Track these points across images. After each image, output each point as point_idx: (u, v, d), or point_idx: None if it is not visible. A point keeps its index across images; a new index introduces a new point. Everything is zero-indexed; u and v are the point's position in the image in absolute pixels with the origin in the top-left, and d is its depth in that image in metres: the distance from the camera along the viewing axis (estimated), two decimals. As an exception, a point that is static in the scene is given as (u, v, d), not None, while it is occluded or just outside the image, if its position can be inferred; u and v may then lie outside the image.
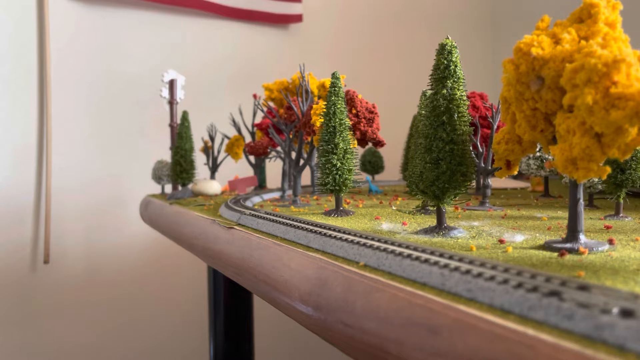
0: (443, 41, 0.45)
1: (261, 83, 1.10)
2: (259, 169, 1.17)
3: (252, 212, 0.61)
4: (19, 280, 1.45)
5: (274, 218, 0.56)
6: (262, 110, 1.05)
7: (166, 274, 1.67)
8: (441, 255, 0.33)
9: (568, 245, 0.37)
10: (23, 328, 1.45)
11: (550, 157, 0.73)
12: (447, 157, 0.43)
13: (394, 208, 0.69)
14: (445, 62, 0.44)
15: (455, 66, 0.44)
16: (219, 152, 1.16)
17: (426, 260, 0.32)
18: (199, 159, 1.21)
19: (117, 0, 1.59)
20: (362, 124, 0.76)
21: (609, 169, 0.32)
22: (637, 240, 0.41)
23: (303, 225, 0.50)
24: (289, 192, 0.90)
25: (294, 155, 0.86)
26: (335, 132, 0.60)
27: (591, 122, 0.31)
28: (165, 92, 1.22)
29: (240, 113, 1.21)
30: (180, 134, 1.07)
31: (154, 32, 1.66)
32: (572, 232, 0.38)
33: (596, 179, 0.61)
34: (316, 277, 0.39)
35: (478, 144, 0.72)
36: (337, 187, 0.60)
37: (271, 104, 1.03)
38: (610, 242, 0.38)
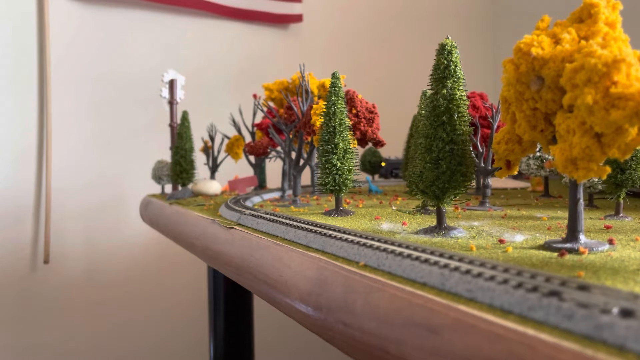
0: (443, 41, 0.45)
1: (261, 83, 1.10)
2: (259, 169, 1.17)
3: (252, 212, 0.61)
4: (19, 280, 1.45)
5: (274, 218, 0.56)
6: (262, 110, 1.05)
7: (166, 273, 1.67)
8: (441, 255, 0.33)
9: (568, 245, 0.37)
10: (23, 328, 1.45)
11: (550, 157, 0.73)
12: (447, 157, 0.43)
13: (394, 208, 0.69)
14: (445, 62, 0.44)
15: (455, 66, 0.44)
16: (219, 152, 1.16)
17: (426, 260, 0.32)
18: (199, 159, 1.21)
19: (117, 0, 1.59)
20: (362, 124, 0.76)
21: (609, 169, 0.32)
22: (637, 240, 0.41)
23: (303, 225, 0.50)
24: (289, 192, 0.90)
25: (294, 155, 0.86)
26: (335, 132, 0.60)
27: (591, 122, 0.31)
28: (165, 92, 1.22)
29: (240, 113, 1.21)
30: (180, 134, 1.07)
31: (154, 32, 1.66)
32: (572, 232, 0.38)
33: (596, 179, 0.61)
34: (316, 277, 0.39)
35: (478, 144, 0.72)
36: (337, 187, 0.60)
37: (271, 104, 1.03)
38: (610, 242, 0.38)
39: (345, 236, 0.42)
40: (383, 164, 1.31)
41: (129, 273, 1.61)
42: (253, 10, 1.79)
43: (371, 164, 1.32)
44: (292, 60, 1.81)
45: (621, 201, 0.56)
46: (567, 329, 0.22)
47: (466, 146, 0.44)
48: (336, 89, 0.61)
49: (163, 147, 1.43)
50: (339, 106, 0.61)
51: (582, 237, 0.38)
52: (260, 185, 1.18)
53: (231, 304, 1.04)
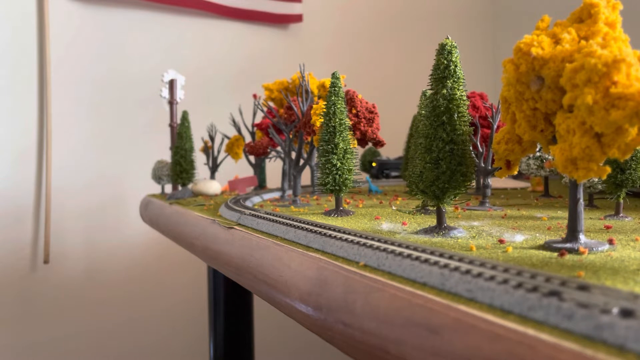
0: (443, 41, 0.45)
1: (261, 83, 1.10)
2: (259, 169, 1.17)
3: (252, 212, 0.61)
4: (19, 280, 1.45)
5: (274, 218, 0.56)
6: (262, 110, 1.05)
7: (166, 273, 1.67)
8: (441, 255, 0.33)
9: (568, 245, 0.37)
10: (23, 328, 1.45)
11: (550, 157, 0.73)
12: (447, 157, 0.43)
13: (394, 208, 0.69)
14: (445, 62, 0.44)
15: (455, 66, 0.44)
16: (219, 152, 1.16)
17: (426, 260, 0.32)
18: (199, 159, 1.21)
19: (117, 0, 1.59)
20: (362, 124, 0.76)
21: (609, 169, 0.32)
22: (637, 240, 0.41)
23: (303, 225, 0.50)
24: (289, 192, 0.90)
25: (294, 155, 0.86)
26: (335, 132, 0.60)
27: (591, 122, 0.31)
28: (165, 92, 1.22)
29: (240, 113, 1.21)
30: (180, 134, 1.07)
31: (154, 32, 1.66)
32: (572, 232, 0.38)
33: (596, 179, 0.61)
34: (316, 277, 0.39)
35: (478, 144, 0.72)
36: (337, 187, 0.60)
37: (271, 104, 1.03)
38: (610, 242, 0.38)
39: (345, 236, 0.42)
40: (374, 164, 1.31)
41: (129, 273, 1.61)
42: (253, 10, 1.79)
43: (371, 164, 1.32)
44: (292, 60, 1.81)
45: (621, 201, 0.56)
46: (567, 329, 0.22)
47: (466, 146, 0.44)
48: (336, 89, 0.61)
49: (163, 147, 1.43)
50: (339, 106, 0.61)
51: (582, 237, 0.38)
52: (260, 185, 1.18)
53: (231, 304, 1.04)
